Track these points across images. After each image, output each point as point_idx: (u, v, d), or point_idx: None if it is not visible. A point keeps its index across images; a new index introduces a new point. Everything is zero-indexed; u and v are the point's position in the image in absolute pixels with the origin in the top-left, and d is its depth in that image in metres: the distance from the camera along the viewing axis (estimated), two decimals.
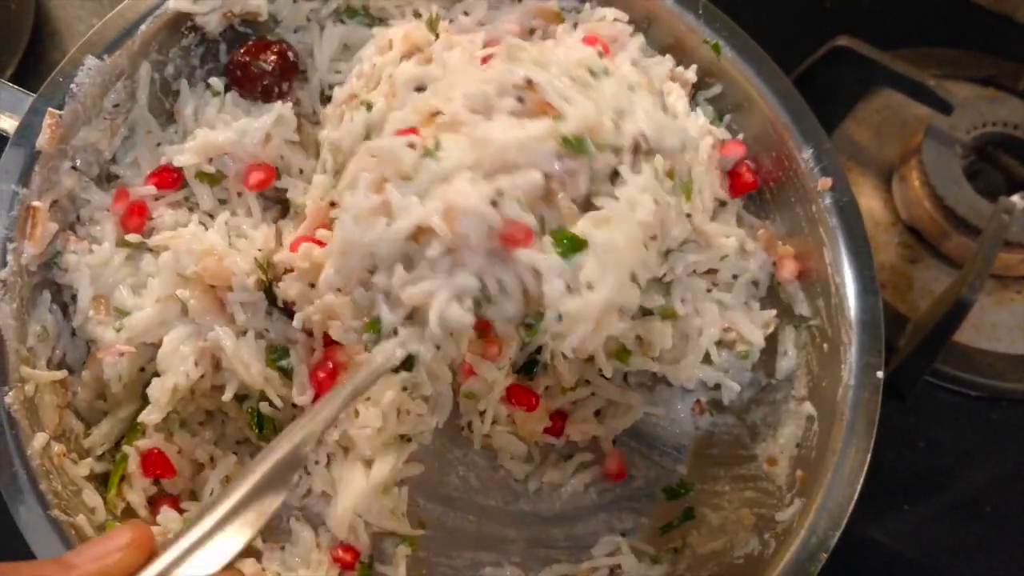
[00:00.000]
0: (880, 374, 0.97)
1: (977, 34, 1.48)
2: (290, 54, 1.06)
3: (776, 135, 1.08)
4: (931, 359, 1.18)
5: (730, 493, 1.05)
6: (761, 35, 1.11)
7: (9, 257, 0.92)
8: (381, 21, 1.11)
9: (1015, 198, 1.18)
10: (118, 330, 0.96)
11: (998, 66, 1.43)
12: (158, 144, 1.05)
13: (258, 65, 1.04)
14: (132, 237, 0.99)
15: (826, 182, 1.04)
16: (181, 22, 1.04)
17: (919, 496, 1.20)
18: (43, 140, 0.95)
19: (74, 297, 0.98)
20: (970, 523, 1.19)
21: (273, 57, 1.05)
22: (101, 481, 0.96)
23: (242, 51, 1.05)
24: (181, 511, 0.97)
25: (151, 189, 1.02)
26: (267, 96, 1.05)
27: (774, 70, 1.09)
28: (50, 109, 0.96)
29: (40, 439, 0.88)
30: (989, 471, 1.22)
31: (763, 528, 0.97)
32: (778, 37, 1.11)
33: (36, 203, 0.94)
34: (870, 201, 1.33)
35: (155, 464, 0.96)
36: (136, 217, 1.00)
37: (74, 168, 0.99)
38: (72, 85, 0.97)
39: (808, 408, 1.02)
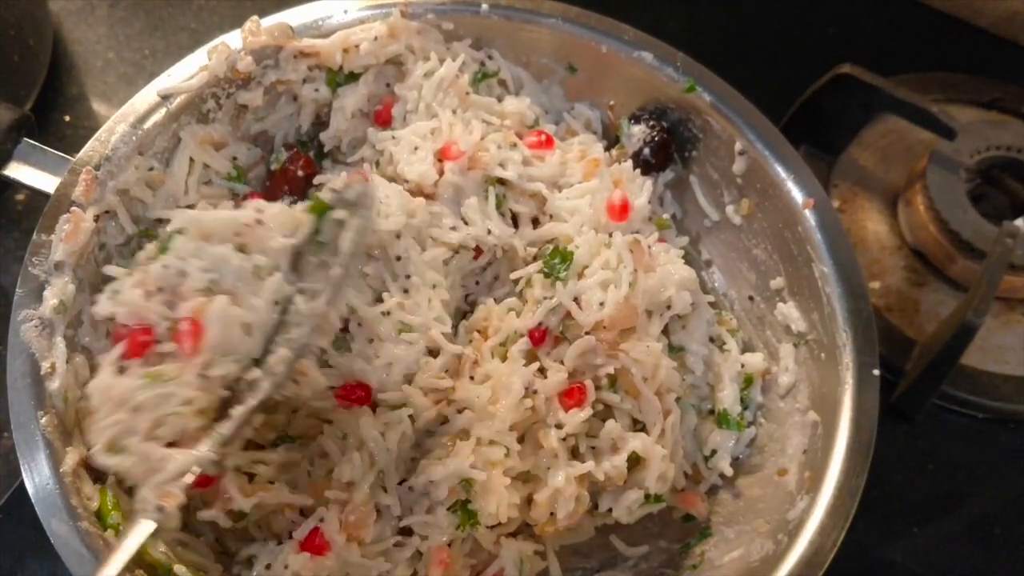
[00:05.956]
0: (876, 372, 1.01)
1: (981, 58, 1.50)
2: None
3: (760, 170, 1.13)
4: (938, 382, 1.19)
5: (744, 507, 1.06)
6: (766, 62, 1.13)
7: (47, 293, 0.93)
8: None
9: (1018, 222, 1.20)
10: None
11: (1002, 90, 1.44)
12: None
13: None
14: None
15: (809, 201, 1.10)
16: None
17: (928, 519, 1.20)
18: (79, 192, 0.98)
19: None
20: (980, 545, 1.19)
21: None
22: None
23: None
24: None
25: None
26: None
27: (749, 108, 1.15)
28: (87, 167, 1.00)
29: (71, 458, 0.90)
30: (998, 493, 1.23)
31: (777, 530, 0.98)
32: (784, 63, 1.13)
33: (75, 208, 0.97)
34: (876, 225, 1.34)
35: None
36: None
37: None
38: (108, 151, 1.01)
39: (812, 416, 1.04)
